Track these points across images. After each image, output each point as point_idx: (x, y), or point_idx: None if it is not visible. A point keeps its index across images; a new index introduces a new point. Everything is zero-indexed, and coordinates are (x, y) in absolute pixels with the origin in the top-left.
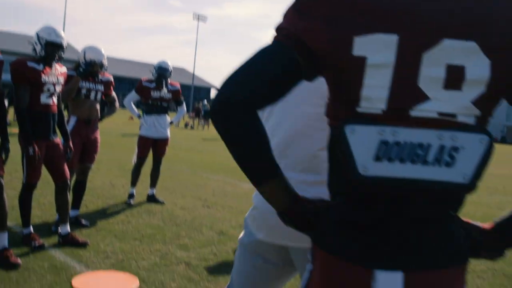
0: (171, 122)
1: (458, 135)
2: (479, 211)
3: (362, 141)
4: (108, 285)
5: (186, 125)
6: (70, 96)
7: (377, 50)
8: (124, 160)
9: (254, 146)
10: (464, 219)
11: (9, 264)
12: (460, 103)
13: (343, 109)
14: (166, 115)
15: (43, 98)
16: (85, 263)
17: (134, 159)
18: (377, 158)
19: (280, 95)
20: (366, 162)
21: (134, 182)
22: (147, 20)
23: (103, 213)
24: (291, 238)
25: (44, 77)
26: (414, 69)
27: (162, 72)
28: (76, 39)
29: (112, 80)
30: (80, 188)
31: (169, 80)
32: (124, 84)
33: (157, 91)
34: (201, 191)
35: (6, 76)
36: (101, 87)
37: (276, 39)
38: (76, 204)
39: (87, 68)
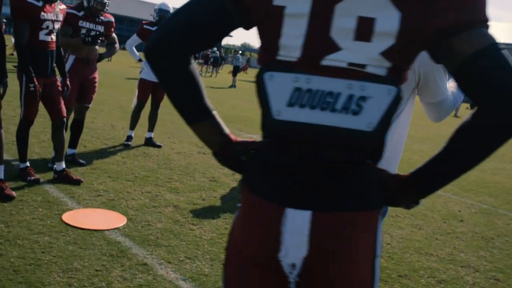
0: None
1: (367, 85)
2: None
3: (279, 87)
4: (97, 221)
5: None
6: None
7: (294, 0)
8: (126, 102)
9: (183, 88)
10: (381, 167)
11: (4, 196)
12: (370, 54)
13: (267, 57)
14: None
15: (42, 35)
16: (77, 199)
17: (134, 102)
18: (290, 104)
19: (210, 41)
20: (280, 107)
21: (133, 125)
22: None
23: (100, 153)
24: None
25: (43, 14)
26: (327, 20)
27: (163, 14)
28: None
29: (113, 21)
30: (77, 127)
31: None
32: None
33: None
34: (196, 137)
35: (7, 10)
36: (101, 28)
37: None
38: (74, 143)
39: (90, 6)
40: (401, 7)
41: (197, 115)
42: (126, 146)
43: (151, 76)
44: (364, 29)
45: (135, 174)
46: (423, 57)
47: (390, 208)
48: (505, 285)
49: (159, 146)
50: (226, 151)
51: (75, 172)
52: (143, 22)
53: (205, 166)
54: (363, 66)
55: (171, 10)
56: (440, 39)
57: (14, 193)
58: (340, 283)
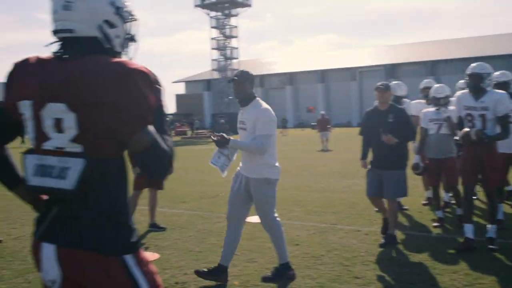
0: None
1: (68, 160)
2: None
3: (28, 163)
4: None
5: None
6: None
7: (25, 110)
8: None
9: None
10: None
11: None
12: (64, 141)
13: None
14: None
15: None
16: None
17: None
18: (34, 174)
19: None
20: (29, 176)
21: None
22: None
23: None
24: (247, 172)
25: None
26: (40, 121)
27: None
28: None
29: None
30: None
31: None
32: None
33: None
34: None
35: None
36: None
37: None
38: None
39: None
40: (75, 111)
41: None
42: None
43: None
44: (59, 125)
45: None
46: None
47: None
48: None
49: None
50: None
51: None
52: None
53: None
54: (62, 148)
55: None
56: None
57: None
58: None
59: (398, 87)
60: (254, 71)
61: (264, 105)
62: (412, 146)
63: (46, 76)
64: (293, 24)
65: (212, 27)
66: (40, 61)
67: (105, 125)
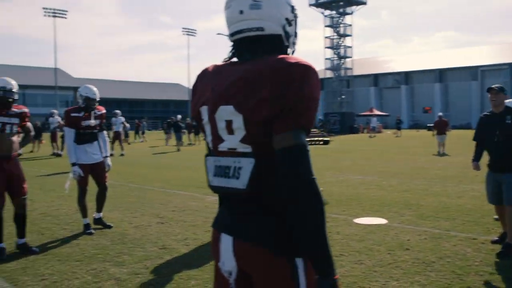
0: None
1: (240, 160)
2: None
3: (209, 165)
4: None
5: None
6: None
7: (204, 115)
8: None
9: None
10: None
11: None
12: (235, 142)
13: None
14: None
15: None
16: (20, 286)
17: (66, 185)
18: (214, 175)
19: None
20: (210, 177)
21: (84, 213)
22: (139, 39)
23: (56, 239)
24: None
25: None
26: (215, 124)
27: (90, 102)
28: (68, 64)
29: (26, 111)
30: (20, 220)
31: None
32: (125, 105)
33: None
34: (162, 208)
35: None
36: (15, 120)
37: None
38: (20, 234)
39: None
40: (242, 112)
41: None
42: (89, 234)
43: (85, 159)
44: (229, 127)
45: (85, 254)
46: None
47: (336, 248)
48: None
49: (109, 227)
50: None
51: (26, 261)
52: (68, 110)
53: (159, 235)
54: (234, 148)
55: (97, 96)
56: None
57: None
58: None
59: None
60: (368, 70)
61: None
62: None
63: (218, 80)
64: (410, 21)
65: (326, 26)
66: (215, 67)
67: (270, 124)
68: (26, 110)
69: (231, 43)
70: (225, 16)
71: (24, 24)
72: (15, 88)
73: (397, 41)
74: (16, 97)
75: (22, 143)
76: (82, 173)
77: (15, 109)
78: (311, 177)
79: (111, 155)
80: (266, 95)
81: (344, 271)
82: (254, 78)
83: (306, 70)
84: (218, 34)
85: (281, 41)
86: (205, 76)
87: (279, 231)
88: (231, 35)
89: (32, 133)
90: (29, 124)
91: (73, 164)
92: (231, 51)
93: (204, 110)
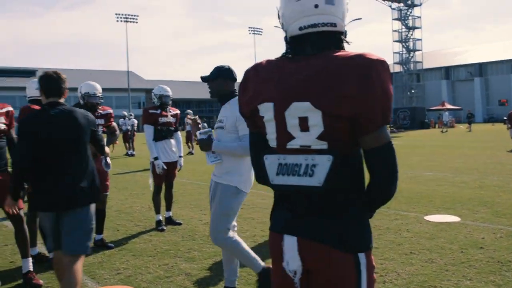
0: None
1: (315, 157)
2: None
3: (270, 163)
4: None
5: None
6: None
7: (265, 112)
8: None
9: None
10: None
11: (32, 285)
12: (310, 139)
13: (266, 145)
14: (172, 139)
15: None
16: (97, 280)
17: (150, 183)
18: (277, 173)
19: None
20: (272, 176)
21: (157, 209)
22: (206, 39)
23: (130, 235)
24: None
25: None
26: (283, 121)
27: (165, 99)
28: (140, 67)
29: (111, 112)
30: (99, 216)
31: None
32: (194, 105)
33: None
34: None
35: None
36: (101, 121)
37: None
38: (99, 229)
39: (85, 102)
40: (320, 108)
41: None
42: (161, 231)
43: (162, 158)
44: (304, 124)
45: (157, 250)
46: None
47: (405, 246)
48: None
49: (179, 224)
50: None
51: (102, 255)
52: (146, 108)
53: None
54: (308, 146)
55: (170, 93)
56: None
57: (41, 281)
58: None
59: None
60: (439, 63)
61: None
62: None
63: (282, 76)
64: (483, 9)
65: (394, 19)
66: (271, 63)
67: (348, 121)
68: (110, 111)
69: (289, 37)
70: (289, 8)
71: (99, 29)
72: (99, 92)
73: (469, 30)
74: (99, 101)
75: (108, 142)
76: (165, 166)
77: (100, 110)
78: (397, 169)
79: (191, 153)
80: (348, 91)
81: (414, 269)
82: (334, 74)
83: (385, 66)
84: (276, 26)
85: (341, 38)
86: (260, 72)
87: (346, 227)
88: (300, 28)
89: (117, 132)
90: (114, 124)
91: (155, 159)
92: (291, 45)
93: (267, 107)
